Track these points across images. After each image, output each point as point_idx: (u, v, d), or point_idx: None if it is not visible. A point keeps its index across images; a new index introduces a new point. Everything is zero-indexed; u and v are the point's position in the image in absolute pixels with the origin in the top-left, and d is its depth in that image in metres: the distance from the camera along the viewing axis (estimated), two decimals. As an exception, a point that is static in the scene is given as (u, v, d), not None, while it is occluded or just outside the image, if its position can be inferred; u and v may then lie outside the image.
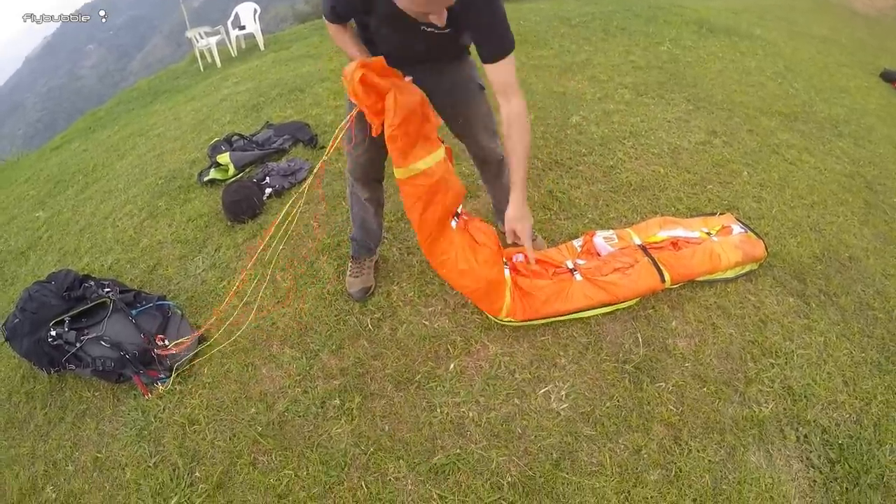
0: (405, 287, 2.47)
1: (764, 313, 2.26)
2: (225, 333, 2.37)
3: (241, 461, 1.92)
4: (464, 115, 2.08)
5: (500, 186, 2.38)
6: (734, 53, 5.53)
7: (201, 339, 2.41)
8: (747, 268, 2.41)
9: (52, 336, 2.31)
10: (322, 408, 2.03)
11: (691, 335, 2.16)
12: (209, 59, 8.51)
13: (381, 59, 1.67)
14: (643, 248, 2.35)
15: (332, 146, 1.93)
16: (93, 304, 2.44)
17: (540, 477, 1.72)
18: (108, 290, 2.54)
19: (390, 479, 1.77)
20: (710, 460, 1.75)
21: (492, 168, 2.34)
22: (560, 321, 2.19)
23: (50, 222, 4.12)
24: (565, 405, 1.91)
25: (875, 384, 2.03)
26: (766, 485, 1.70)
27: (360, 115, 1.80)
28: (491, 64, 1.70)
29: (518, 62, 4.68)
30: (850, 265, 2.58)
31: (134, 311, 2.43)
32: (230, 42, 8.78)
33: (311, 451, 1.90)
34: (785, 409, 1.91)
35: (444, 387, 2.02)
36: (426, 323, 2.30)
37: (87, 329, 2.36)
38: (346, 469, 1.83)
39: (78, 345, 2.29)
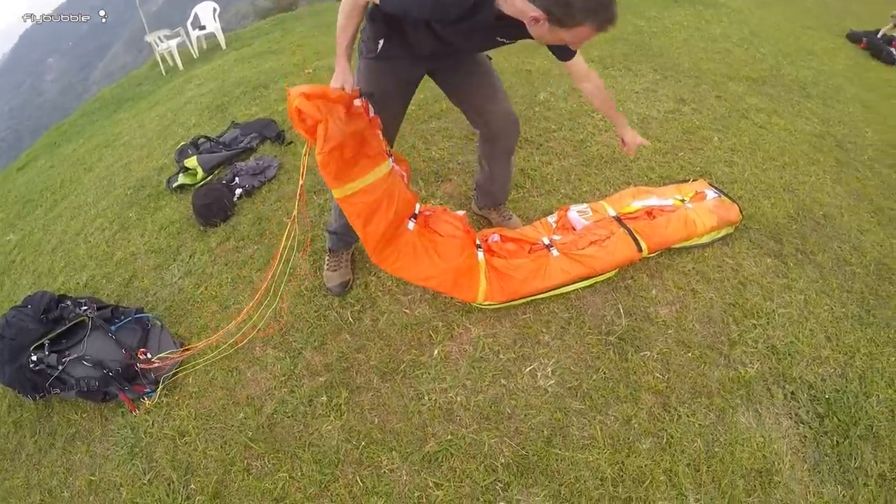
0: (383, 277, 2.45)
1: (743, 275, 2.29)
2: (205, 340, 2.34)
3: (235, 468, 1.90)
4: (489, 84, 2.13)
5: (507, 164, 2.40)
6: (699, 22, 5.55)
7: (182, 347, 2.38)
8: (723, 232, 2.43)
9: (33, 361, 2.26)
10: (310, 406, 2.01)
11: (672, 302, 2.18)
12: (171, 63, 8.33)
13: (325, 89, 1.76)
14: (618, 220, 2.36)
15: (302, 170, 1.94)
16: (71, 323, 2.40)
17: (533, 455, 1.73)
18: (85, 307, 2.50)
19: (385, 472, 1.77)
20: (700, 424, 1.77)
21: (511, 137, 2.29)
22: (540, 298, 2.19)
23: (21, 244, 4.03)
24: (552, 381, 1.92)
25: (857, 338, 2.07)
26: (757, 444, 1.72)
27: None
28: (569, 61, 1.92)
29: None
30: (825, 223, 2.62)
31: (113, 327, 2.39)
32: (191, 43, 8.60)
33: (304, 450, 1.89)
34: (770, 368, 1.94)
35: (429, 374, 2.02)
36: (407, 311, 2.29)
37: (68, 350, 2.32)
38: (339, 466, 1.82)
39: (60, 367, 2.25)
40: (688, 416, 1.79)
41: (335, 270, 2.45)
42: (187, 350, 2.36)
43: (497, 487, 1.68)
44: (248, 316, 2.31)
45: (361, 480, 1.77)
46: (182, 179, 3.58)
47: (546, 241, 2.32)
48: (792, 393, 1.87)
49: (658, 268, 2.31)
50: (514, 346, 2.06)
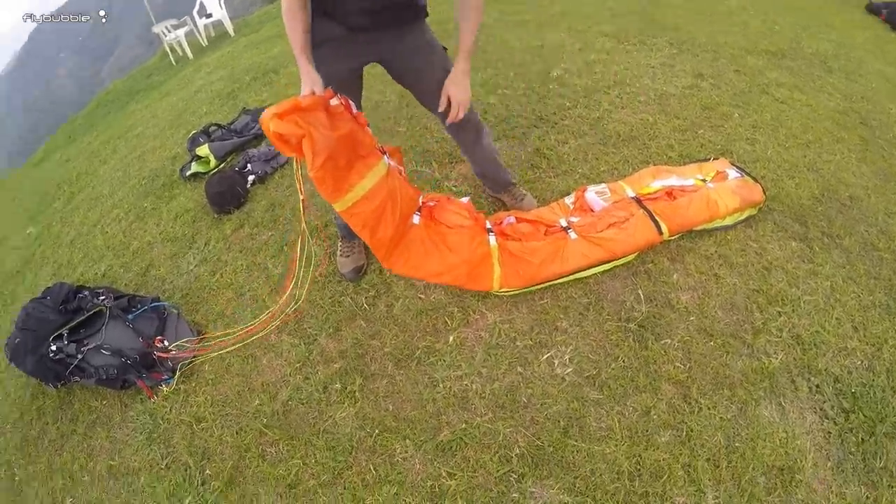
0: (397, 262, 2.43)
1: (767, 260, 2.21)
2: (223, 328, 2.38)
3: (250, 454, 1.92)
4: (431, 77, 2.00)
5: (481, 150, 2.34)
6: (716, -8, 5.40)
7: (199, 335, 2.41)
8: (746, 213, 2.36)
9: (52, 351, 2.32)
10: (325, 393, 2.01)
11: (694, 287, 2.12)
12: (180, 52, 8.36)
13: (295, 101, 1.62)
14: (637, 201, 2.30)
15: (299, 185, 1.84)
16: (89, 314, 2.44)
17: (549, 446, 1.70)
18: (102, 298, 2.54)
19: (398, 460, 1.77)
20: (721, 417, 1.72)
21: (469, 132, 2.25)
22: (558, 283, 2.15)
23: (41, 237, 4.11)
24: (570, 370, 1.89)
25: (885, 328, 1.98)
26: (780, 439, 1.66)
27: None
28: None
29: (492, 19, 4.63)
30: (852, 205, 2.52)
31: (130, 316, 2.42)
32: (198, 32, 8.61)
33: (318, 437, 1.89)
34: (795, 358, 1.86)
35: (444, 361, 2.00)
36: (422, 297, 2.26)
37: (87, 339, 2.36)
38: (353, 453, 1.82)
39: (79, 356, 2.29)
40: (709, 408, 1.74)
41: (348, 256, 2.44)
42: (205, 337, 2.38)
43: (511, 478, 1.66)
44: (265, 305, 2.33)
45: (374, 468, 1.76)
46: (195, 168, 3.61)
47: (564, 223, 2.27)
48: (817, 386, 1.79)
49: (679, 251, 2.24)
50: (531, 333, 2.03)
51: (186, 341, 2.34)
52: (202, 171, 3.59)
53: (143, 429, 2.15)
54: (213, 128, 3.94)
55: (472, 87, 3.07)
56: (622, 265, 2.20)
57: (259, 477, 1.85)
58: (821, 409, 1.74)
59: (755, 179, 2.43)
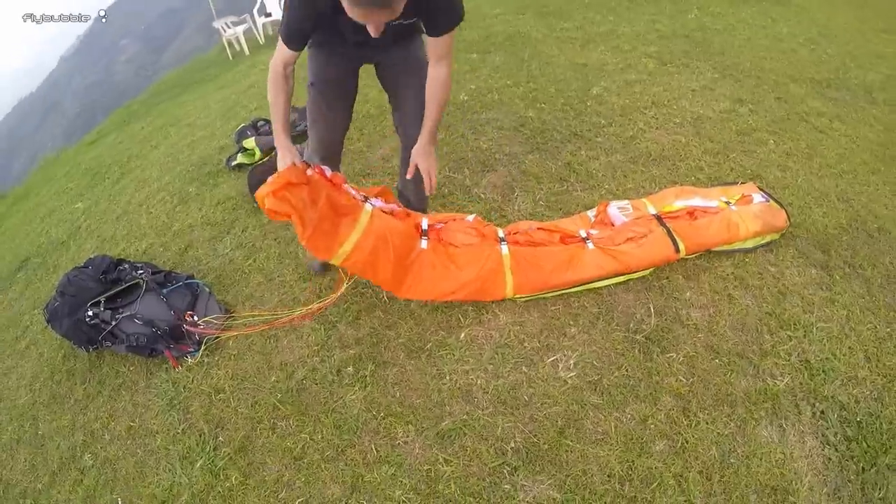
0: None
1: (784, 284, 2.21)
2: (250, 309, 2.49)
3: (262, 426, 2.02)
4: (412, 85, 2.10)
5: (419, 190, 2.35)
6: (765, 20, 5.34)
7: (228, 313, 2.52)
8: (767, 238, 2.36)
9: (89, 316, 2.45)
10: (337, 376, 2.10)
11: (706, 306, 2.14)
12: (237, 48, 8.65)
13: (286, 177, 1.89)
14: (658, 218, 2.33)
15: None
16: (127, 285, 2.57)
17: (544, 444, 1.75)
18: (140, 271, 2.67)
19: (399, 443, 1.84)
20: (718, 433, 1.74)
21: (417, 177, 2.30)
22: (572, 292, 2.20)
23: (88, 212, 4.30)
24: (573, 374, 1.93)
25: (899, 361, 1.96)
26: (776, 460, 1.67)
27: None
28: (436, 37, 1.84)
29: (541, 35, 4.69)
30: (879, 236, 2.49)
31: (165, 290, 2.54)
32: (257, 30, 8.89)
33: (326, 416, 1.98)
34: (801, 383, 1.87)
35: (454, 355, 2.07)
36: (440, 294, 2.33)
37: (122, 308, 2.49)
38: (357, 433, 1.90)
39: (113, 323, 2.42)
40: (707, 422, 1.76)
41: None
42: (232, 316, 2.50)
43: (504, 470, 1.71)
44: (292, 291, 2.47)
45: (376, 449, 1.84)
46: (240, 159, 3.77)
47: (583, 234, 2.32)
48: (822, 412, 1.79)
49: (695, 270, 2.27)
50: (540, 336, 2.08)
51: (215, 318, 2.45)
52: (247, 162, 3.73)
53: (164, 395, 2.27)
54: (260, 122, 4.09)
55: (514, 100, 3.19)
56: (637, 279, 2.23)
57: (268, 447, 1.95)
58: (822, 435, 1.73)
59: (781, 205, 2.43)
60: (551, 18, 5.33)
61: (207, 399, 2.19)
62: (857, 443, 1.71)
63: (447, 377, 1.99)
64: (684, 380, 1.88)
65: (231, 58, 8.57)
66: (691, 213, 2.36)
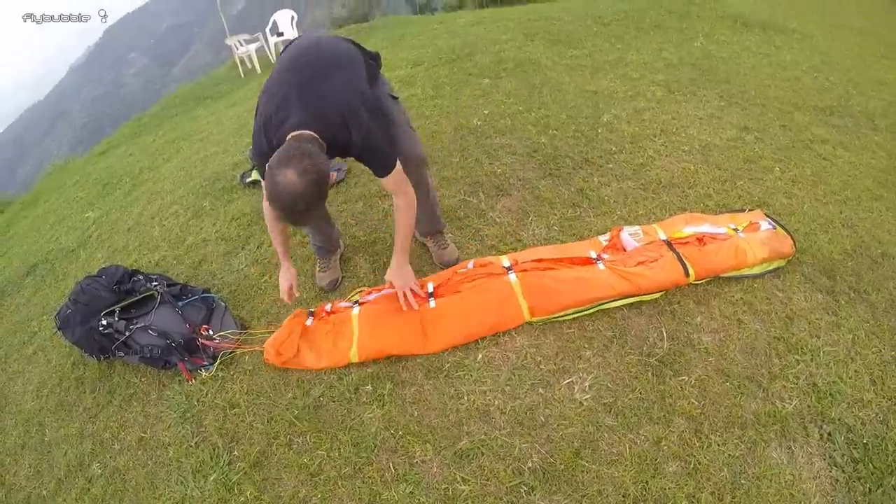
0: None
1: (791, 309, 2.25)
2: (265, 324, 2.52)
3: (278, 442, 2.04)
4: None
5: (425, 202, 2.45)
6: (769, 48, 5.43)
7: (243, 329, 2.55)
8: (774, 264, 2.41)
9: (102, 325, 2.46)
10: (355, 394, 2.12)
11: (716, 330, 2.17)
12: (249, 66, 8.74)
13: (286, 336, 2.32)
14: (668, 243, 2.39)
15: None
16: (141, 296, 2.59)
17: (560, 464, 1.78)
18: (155, 283, 2.68)
19: (417, 462, 1.86)
20: (729, 454, 1.77)
21: (420, 189, 2.37)
22: (586, 315, 2.24)
23: (99, 222, 4.32)
24: (588, 396, 1.96)
25: (904, 384, 2.00)
26: (786, 481, 1.70)
27: None
28: (381, 178, 2.03)
29: (550, 62, 4.77)
30: (883, 262, 2.54)
31: (180, 303, 2.57)
32: (269, 48, 8.99)
33: (344, 433, 2.00)
34: (809, 406, 1.90)
35: (471, 376, 2.09)
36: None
37: (136, 319, 2.51)
38: (375, 451, 1.92)
39: (127, 333, 2.44)
40: (718, 444, 1.79)
41: (325, 271, 2.68)
42: (248, 332, 2.52)
43: (521, 490, 1.74)
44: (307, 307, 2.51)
45: (394, 467, 1.86)
46: (254, 176, 3.80)
47: (593, 255, 2.38)
48: (829, 434, 1.82)
49: (706, 295, 2.31)
50: (556, 358, 2.11)
51: (231, 333, 2.47)
52: (261, 179, 3.76)
53: (177, 407, 2.28)
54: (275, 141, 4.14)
55: (526, 126, 3.24)
56: (649, 302, 2.27)
57: (284, 463, 1.96)
58: (830, 457, 1.77)
59: (788, 232, 2.48)
60: (560, 46, 5.40)
61: (222, 413, 2.20)
62: (864, 464, 1.75)
63: (465, 397, 2.02)
64: (696, 402, 1.91)
65: (242, 75, 8.65)
66: (700, 239, 2.42)
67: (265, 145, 1.88)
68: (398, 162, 2.02)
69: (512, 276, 2.30)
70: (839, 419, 1.86)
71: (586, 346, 2.14)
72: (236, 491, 1.93)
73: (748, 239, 2.40)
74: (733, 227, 2.51)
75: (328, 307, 2.47)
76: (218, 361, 2.39)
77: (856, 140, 3.65)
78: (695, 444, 1.80)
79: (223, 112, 6.49)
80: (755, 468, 1.73)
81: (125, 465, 2.18)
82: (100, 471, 2.21)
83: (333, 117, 1.84)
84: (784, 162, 3.29)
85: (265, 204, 2.17)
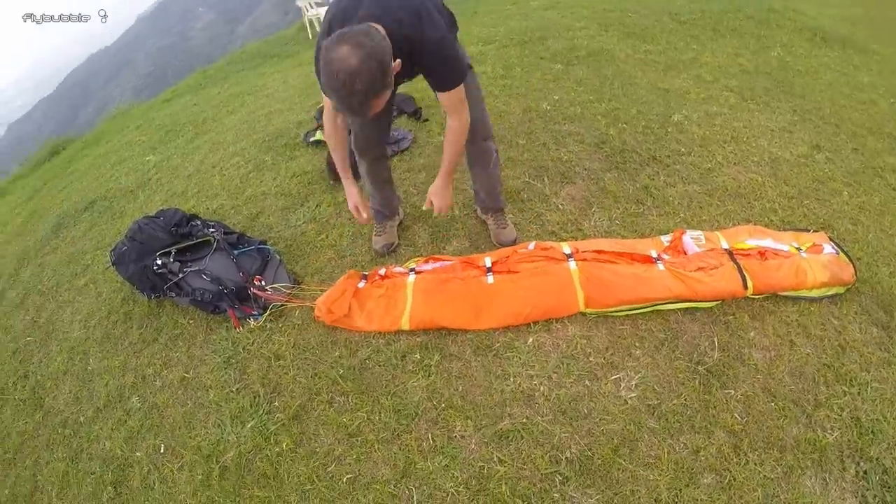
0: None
1: (844, 339, 2.19)
2: (318, 282, 2.56)
3: (319, 398, 2.09)
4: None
5: (486, 175, 2.51)
6: (847, 66, 5.22)
7: (296, 284, 2.59)
8: (833, 290, 2.34)
9: (157, 264, 2.54)
10: (402, 361, 2.16)
11: (768, 348, 2.13)
12: (317, 28, 8.74)
13: (340, 303, 2.34)
14: (729, 253, 2.35)
15: None
16: (198, 240, 2.66)
17: (598, 459, 1.78)
18: (213, 230, 2.76)
19: (455, 436, 1.89)
20: (765, 475, 1.74)
21: (484, 157, 2.44)
22: (640, 314, 2.22)
23: (160, 166, 4.45)
24: (633, 395, 1.96)
25: (949, 431, 1.93)
26: (816, 512, 1.67)
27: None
28: (440, 92, 1.98)
29: (624, 54, 4.68)
30: (944, 306, 2.44)
31: (236, 252, 2.63)
32: (338, 13, 8.94)
33: (386, 398, 2.03)
34: (849, 440, 1.86)
35: (520, 358, 2.10)
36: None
37: (191, 262, 2.58)
38: (415, 420, 1.95)
39: (181, 275, 2.51)
40: (755, 464, 1.77)
41: (380, 235, 2.70)
42: (301, 287, 2.56)
43: (556, 479, 1.75)
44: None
45: (432, 438, 1.89)
46: (319, 136, 3.83)
47: (654, 255, 2.36)
48: (864, 472, 1.78)
49: (761, 311, 2.26)
50: (605, 353, 2.10)
51: (283, 286, 2.52)
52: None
53: (222, 352, 2.34)
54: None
55: (596, 116, 3.19)
56: (703, 310, 2.24)
57: (323, 420, 2.01)
58: (862, 496, 1.72)
59: (850, 259, 2.41)
60: (635, 39, 5.29)
61: (266, 363, 2.26)
62: (895, 510, 1.70)
63: (511, 379, 2.03)
64: (739, 418, 1.89)
65: (311, 37, 8.68)
66: (762, 253, 2.37)
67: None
68: (463, 83, 1.96)
69: (572, 264, 2.29)
70: (877, 458, 1.81)
71: (637, 344, 2.13)
72: (272, 441, 1.99)
73: (810, 260, 2.34)
74: (796, 245, 2.45)
75: (382, 271, 2.50)
76: (267, 312, 2.45)
77: (931, 175, 3.50)
78: (732, 459, 1.78)
79: (289, 71, 6.55)
80: (788, 493, 1.71)
81: (164, 402, 2.27)
82: (139, 404, 2.30)
83: (406, 12, 1.75)
84: (853, 187, 3.18)
85: (325, 122, 2.18)
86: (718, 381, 2.00)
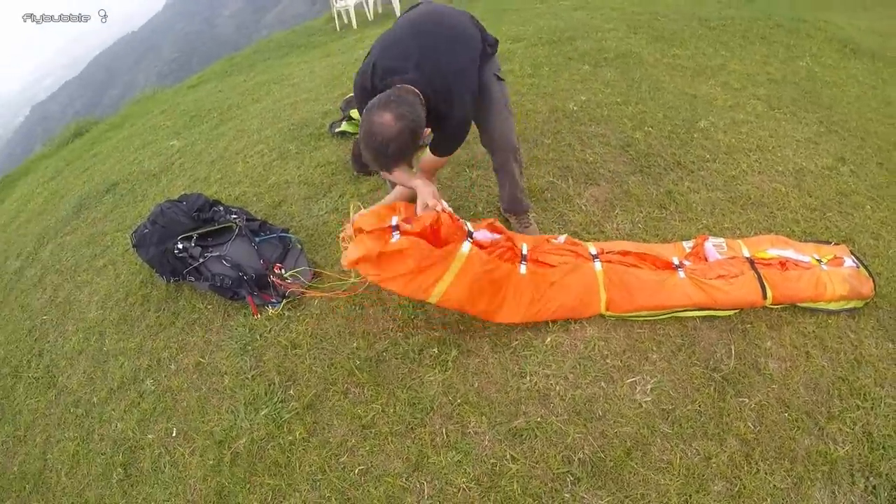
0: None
1: (860, 353, 2.18)
2: (339, 272, 2.55)
3: (334, 388, 2.11)
4: (488, 110, 2.29)
5: (505, 178, 2.53)
6: (876, 80, 5.14)
7: (315, 275, 2.61)
8: (852, 304, 2.33)
9: (178, 248, 2.58)
10: (419, 354, 2.17)
11: (784, 358, 2.13)
12: (346, 20, 8.75)
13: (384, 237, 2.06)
14: (750, 262, 2.34)
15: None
16: (220, 226, 2.69)
17: (610, 461, 1.79)
18: (235, 216, 2.78)
19: (470, 432, 1.91)
20: (775, 485, 1.75)
21: (497, 157, 2.47)
22: (658, 319, 2.23)
23: (183, 151, 4.48)
24: (648, 399, 1.96)
25: (962, 449, 1.92)
26: (824, 525, 1.67)
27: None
28: (433, 152, 2.22)
29: (652, 58, 4.69)
30: (961, 326, 2.42)
31: (257, 239, 2.65)
32: (367, 6, 8.95)
33: (402, 391, 2.05)
34: (860, 454, 1.85)
35: (537, 357, 2.11)
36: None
37: (212, 248, 2.61)
38: (430, 414, 1.97)
39: (201, 260, 2.54)
40: (766, 473, 1.77)
41: None
42: (321, 277, 2.57)
43: (568, 479, 1.76)
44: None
45: (446, 433, 1.91)
46: (345, 127, 3.83)
47: (676, 262, 2.36)
48: (874, 487, 1.77)
49: (779, 321, 2.26)
50: (622, 356, 2.11)
51: (302, 272, 2.54)
52: (351, 131, 3.79)
53: (239, 339, 2.36)
54: (371, 95, 4.18)
55: (622, 118, 3.47)
56: (721, 318, 2.24)
57: (337, 410, 2.04)
58: None
59: (870, 274, 2.40)
60: (663, 43, 5.24)
61: (282, 351, 2.28)
62: (902, 526, 1.69)
63: (527, 377, 2.05)
64: (752, 426, 1.90)
65: (338, 29, 8.68)
66: (783, 263, 2.36)
67: (368, 83, 2.00)
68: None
69: (597, 265, 2.29)
70: (887, 475, 1.81)
71: (654, 348, 2.14)
72: (286, 429, 2.02)
73: (830, 273, 2.33)
74: (817, 257, 2.44)
75: (439, 207, 2.18)
76: (286, 301, 2.47)
77: (953, 194, 3.45)
78: (744, 467, 1.79)
79: (316, 62, 6.55)
80: (797, 504, 1.71)
81: (178, 386, 2.30)
82: (153, 387, 2.33)
83: (443, 88, 1.91)
84: (876, 201, 3.14)
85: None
86: (733, 389, 2.00)
